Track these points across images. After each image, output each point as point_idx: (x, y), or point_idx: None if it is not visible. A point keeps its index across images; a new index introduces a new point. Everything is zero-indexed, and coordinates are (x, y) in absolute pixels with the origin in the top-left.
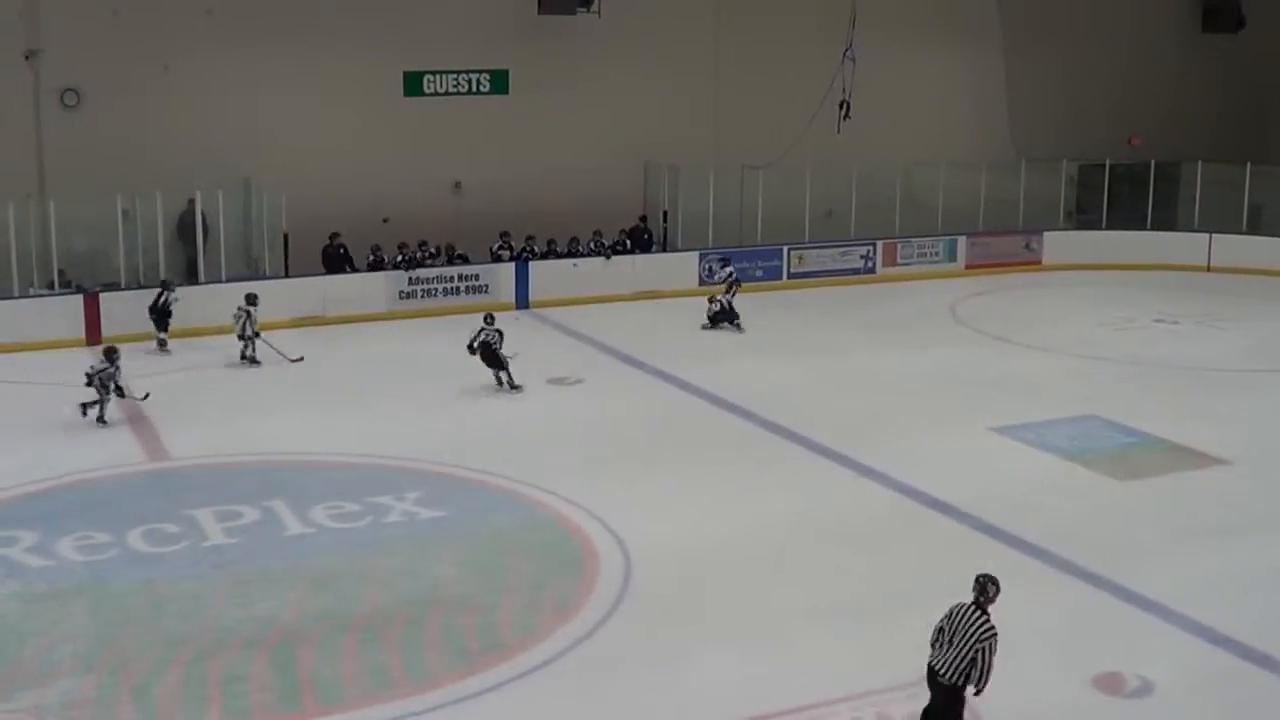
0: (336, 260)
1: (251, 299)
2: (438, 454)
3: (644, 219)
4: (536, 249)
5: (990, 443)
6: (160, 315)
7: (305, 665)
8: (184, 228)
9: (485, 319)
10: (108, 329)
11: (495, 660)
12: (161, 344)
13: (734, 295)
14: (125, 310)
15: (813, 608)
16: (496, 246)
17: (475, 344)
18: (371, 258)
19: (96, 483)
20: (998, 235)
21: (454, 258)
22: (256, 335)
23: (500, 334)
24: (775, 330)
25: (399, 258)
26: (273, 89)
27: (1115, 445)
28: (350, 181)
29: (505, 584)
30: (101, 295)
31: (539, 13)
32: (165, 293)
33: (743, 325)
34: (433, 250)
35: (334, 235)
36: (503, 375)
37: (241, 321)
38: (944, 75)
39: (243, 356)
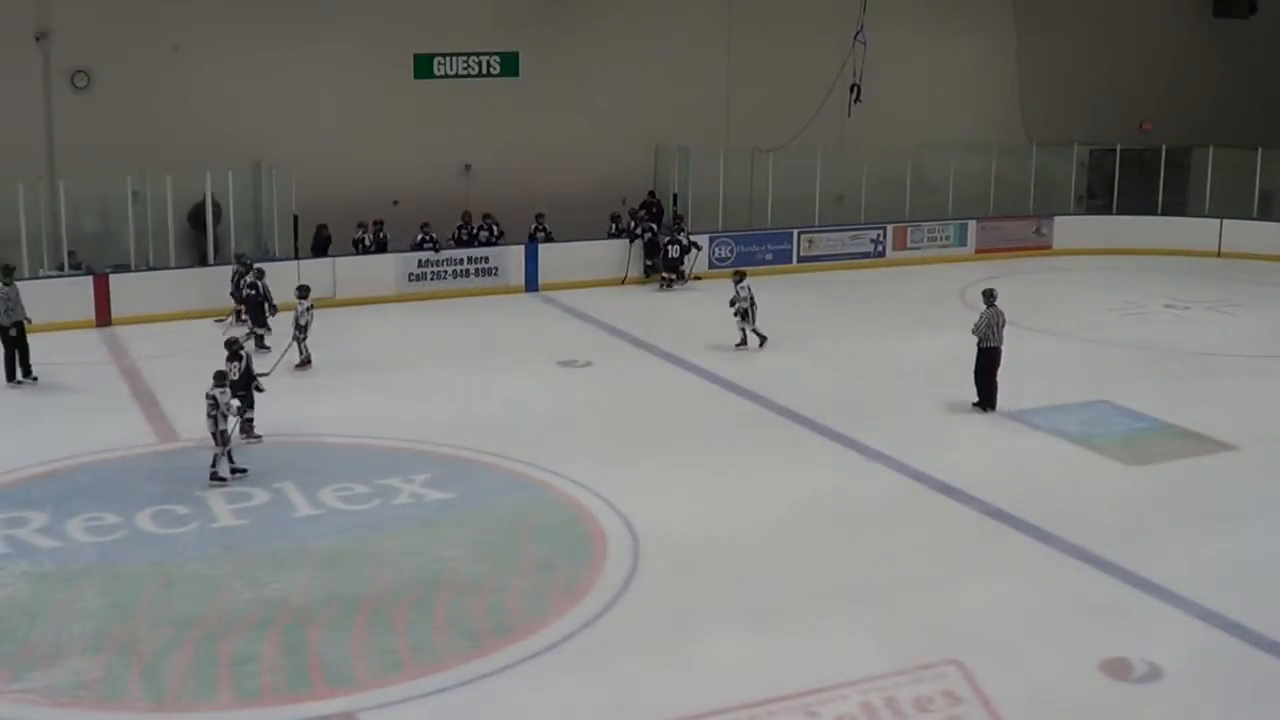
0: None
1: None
2: (447, 436)
3: (652, 194)
4: (547, 228)
5: (999, 427)
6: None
7: (314, 646)
8: (196, 220)
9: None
10: (117, 310)
11: (504, 642)
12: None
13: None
14: (135, 291)
15: (820, 591)
16: (533, 228)
17: None
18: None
19: (106, 464)
20: (1008, 220)
21: (462, 229)
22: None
23: None
24: (785, 314)
25: (359, 235)
26: (283, 71)
27: (1124, 430)
28: (360, 164)
29: (514, 566)
30: (111, 276)
31: None
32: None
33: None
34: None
35: (361, 225)
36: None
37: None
38: (955, 59)
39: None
